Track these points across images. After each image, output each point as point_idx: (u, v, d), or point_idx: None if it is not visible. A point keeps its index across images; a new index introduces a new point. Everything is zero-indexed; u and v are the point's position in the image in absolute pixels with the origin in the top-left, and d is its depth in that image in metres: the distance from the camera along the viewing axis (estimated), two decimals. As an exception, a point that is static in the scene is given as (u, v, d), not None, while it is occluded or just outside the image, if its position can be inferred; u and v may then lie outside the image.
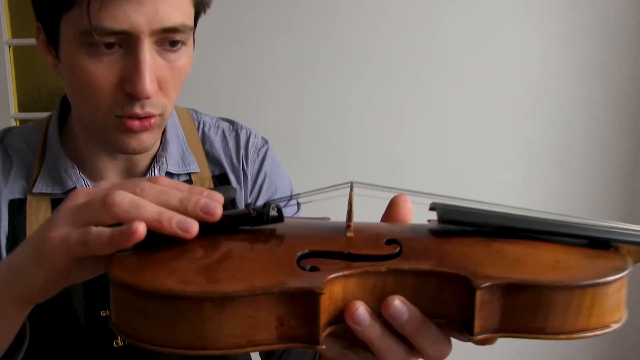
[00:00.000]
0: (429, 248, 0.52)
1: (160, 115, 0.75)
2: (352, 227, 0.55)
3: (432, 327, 0.49)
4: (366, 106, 1.85)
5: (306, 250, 0.51)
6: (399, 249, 0.51)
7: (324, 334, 0.46)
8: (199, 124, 0.95)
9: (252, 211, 0.54)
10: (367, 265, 0.49)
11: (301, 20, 1.78)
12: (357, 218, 0.55)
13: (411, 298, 0.48)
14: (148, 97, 0.71)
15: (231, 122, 0.99)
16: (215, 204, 0.50)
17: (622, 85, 1.81)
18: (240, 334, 0.44)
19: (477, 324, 0.46)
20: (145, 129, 0.74)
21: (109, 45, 0.69)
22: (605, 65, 1.81)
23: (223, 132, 0.96)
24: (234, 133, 0.96)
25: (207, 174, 0.89)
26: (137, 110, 0.72)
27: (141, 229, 0.45)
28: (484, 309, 0.46)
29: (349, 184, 0.57)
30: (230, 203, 0.57)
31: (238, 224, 0.54)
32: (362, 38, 1.80)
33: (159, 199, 0.48)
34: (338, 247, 0.51)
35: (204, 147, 0.92)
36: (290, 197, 0.58)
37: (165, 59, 0.73)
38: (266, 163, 0.96)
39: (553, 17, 1.80)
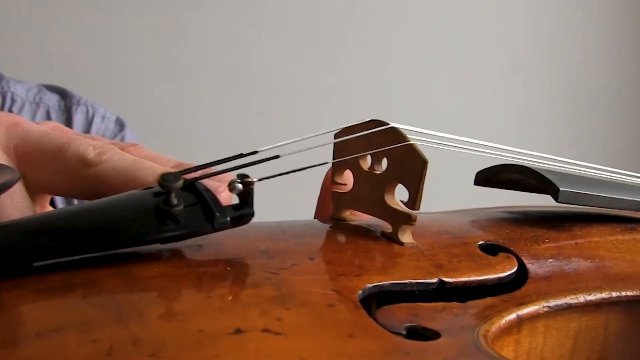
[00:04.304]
0: (556, 252, 0.36)
1: None
2: (415, 219, 0.34)
3: None
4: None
5: (368, 286, 0.29)
6: (516, 261, 0.34)
7: None
8: (3, 98, 0.77)
9: (173, 203, 0.29)
10: (506, 307, 0.31)
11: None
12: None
13: None
14: None
15: (63, 94, 0.78)
16: None
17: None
18: None
19: None
20: None
21: None
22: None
23: (47, 111, 0.77)
24: (65, 114, 0.77)
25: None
26: None
27: None
28: None
29: (389, 127, 0.35)
30: None
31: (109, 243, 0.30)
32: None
33: None
34: (411, 271, 0.31)
35: None
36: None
37: None
38: None
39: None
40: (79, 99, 0.79)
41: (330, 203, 0.38)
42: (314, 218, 0.42)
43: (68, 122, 0.76)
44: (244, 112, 1.59)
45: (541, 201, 0.43)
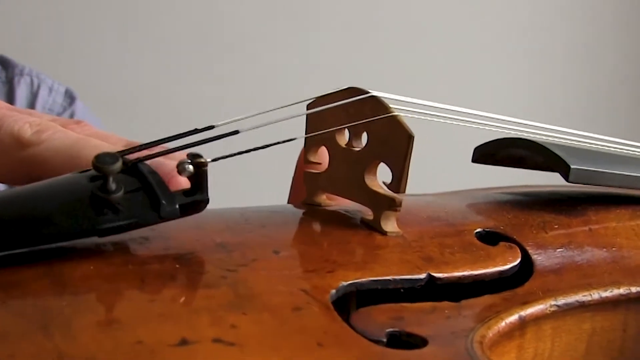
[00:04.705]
0: (567, 241, 0.35)
1: None
2: (400, 204, 0.32)
3: None
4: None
5: (342, 284, 0.28)
6: (520, 251, 0.33)
7: None
8: None
9: (111, 188, 0.28)
10: (507, 306, 0.30)
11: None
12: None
13: None
14: None
15: (4, 64, 0.79)
16: None
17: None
18: None
19: None
20: None
21: None
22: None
23: None
24: (6, 86, 0.77)
25: None
26: None
27: None
28: None
29: (369, 96, 0.33)
30: None
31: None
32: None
33: None
34: (395, 265, 0.30)
35: None
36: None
37: None
38: None
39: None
40: (22, 68, 0.78)
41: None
42: (288, 203, 0.40)
43: (10, 95, 0.76)
44: (200, 81, 1.57)
45: (549, 180, 0.42)
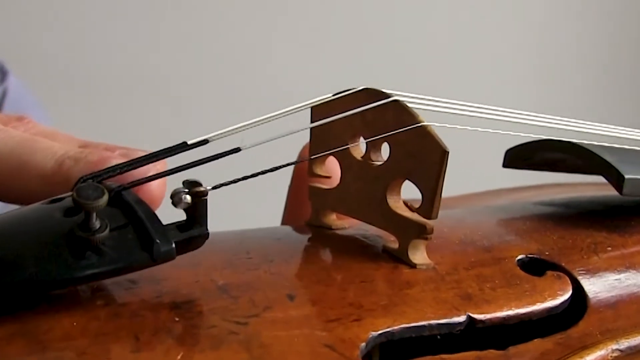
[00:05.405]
0: (624, 266, 0.35)
1: None
2: (431, 232, 0.31)
3: None
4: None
5: (372, 335, 0.27)
6: (570, 282, 0.32)
7: None
8: None
9: (94, 227, 0.26)
10: (562, 353, 0.29)
11: None
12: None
13: None
14: None
15: None
16: None
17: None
18: None
19: None
20: None
21: None
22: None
23: None
24: None
25: None
26: None
27: None
28: None
29: (391, 100, 0.31)
30: None
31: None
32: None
33: None
34: (430, 307, 0.29)
35: None
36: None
37: None
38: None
39: None
40: None
41: (307, 200, 0.36)
42: (283, 220, 0.39)
43: None
44: (183, 72, 1.50)
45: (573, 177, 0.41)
